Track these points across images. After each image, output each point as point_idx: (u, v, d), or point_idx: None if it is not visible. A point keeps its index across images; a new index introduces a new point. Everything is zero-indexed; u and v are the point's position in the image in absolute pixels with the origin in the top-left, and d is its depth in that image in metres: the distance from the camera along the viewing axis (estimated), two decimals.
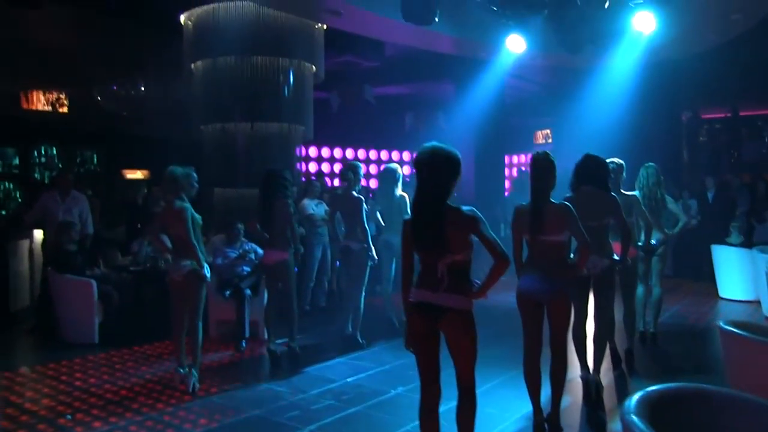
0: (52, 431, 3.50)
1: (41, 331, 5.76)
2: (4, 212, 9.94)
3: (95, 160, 11.67)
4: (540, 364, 3.34)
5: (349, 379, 4.37)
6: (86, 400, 3.96)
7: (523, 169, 12.58)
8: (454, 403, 2.70)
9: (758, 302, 6.68)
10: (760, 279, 6.44)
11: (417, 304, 2.63)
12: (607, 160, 4.12)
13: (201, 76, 7.09)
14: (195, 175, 4.19)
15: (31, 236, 6.62)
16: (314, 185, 7.08)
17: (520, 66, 8.87)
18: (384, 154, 12.52)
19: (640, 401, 1.95)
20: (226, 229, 5.73)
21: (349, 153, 12.10)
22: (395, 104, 12.57)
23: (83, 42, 8.77)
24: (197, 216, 4.11)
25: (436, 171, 2.56)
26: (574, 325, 3.82)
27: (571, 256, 3.49)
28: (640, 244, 4.78)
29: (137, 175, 10.91)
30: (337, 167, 11.73)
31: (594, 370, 4.07)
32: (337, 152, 12.04)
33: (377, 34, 8.05)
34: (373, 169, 11.95)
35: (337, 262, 6.88)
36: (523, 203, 3.38)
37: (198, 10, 6.93)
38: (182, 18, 7.16)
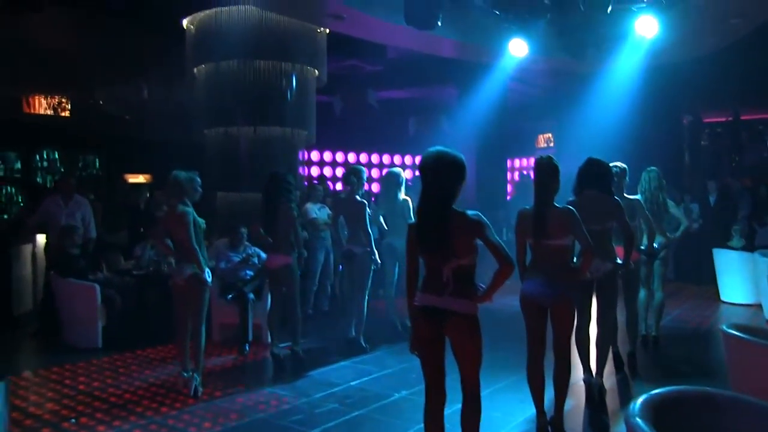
0: None
1: (44, 334, 5.77)
2: (6, 216, 9.94)
3: (97, 164, 11.67)
4: (543, 368, 3.35)
5: (352, 383, 4.38)
6: (90, 404, 3.97)
7: (525, 172, 12.60)
8: (458, 406, 2.71)
9: (759, 306, 6.69)
10: (762, 282, 6.45)
11: (422, 308, 2.64)
12: (611, 164, 4.14)
13: (204, 80, 7.11)
14: (198, 179, 4.21)
15: (33, 240, 6.63)
16: (317, 189, 7.10)
17: (522, 70, 8.89)
18: (386, 158, 12.53)
19: (644, 404, 1.96)
20: (230, 233, 5.74)
21: (352, 157, 12.10)
22: (398, 108, 12.60)
23: (85, 45, 8.80)
24: (200, 220, 4.12)
25: (441, 176, 2.57)
26: (577, 329, 3.83)
27: (574, 259, 3.50)
28: (642, 247, 4.80)
29: (139, 179, 10.92)
30: (339, 171, 11.73)
31: (597, 373, 4.08)
32: (340, 156, 12.04)
33: (380, 38, 8.07)
34: (375, 173, 11.96)
35: (340, 266, 6.89)
36: (527, 207, 3.40)
37: (200, 14, 6.95)
38: (185, 22, 7.18)
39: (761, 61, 9.10)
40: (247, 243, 5.71)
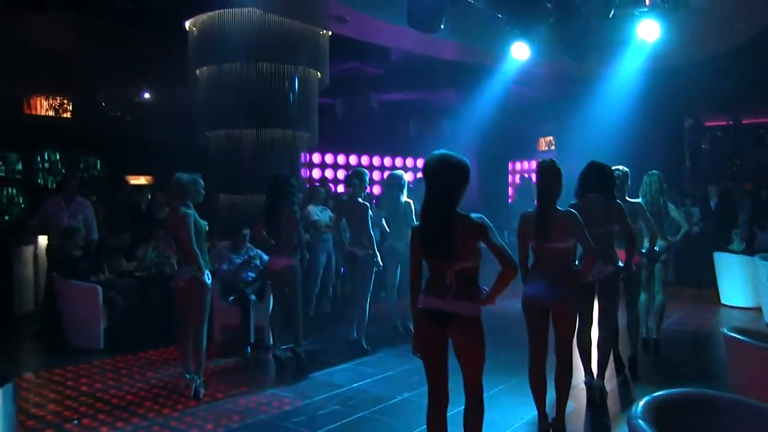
0: None
1: (45, 336, 5.77)
2: (7, 217, 9.96)
3: (98, 165, 11.69)
4: (545, 370, 3.36)
5: (354, 385, 4.38)
6: (92, 405, 3.98)
7: (526, 175, 12.63)
8: (461, 408, 2.72)
9: (759, 309, 6.69)
10: (762, 286, 6.46)
11: (425, 310, 2.65)
12: (613, 168, 4.16)
13: (206, 82, 7.13)
14: (202, 181, 4.22)
15: (35, 241, 6.65)
16: (319, 191, 7.12)
17: (523, 73, 8.91)
18: (388, 161, 12.56)
19: (647, 406, 1.97)
20: (232, 235, 5.75)
21: (353, 159, 12.12)
22: (400, 111, 12.62)
23: (87, 46, 8.82)
24: (202, 222, 4.13)
25: (444, 179, 2.58)
26: (578, 332, 3.84)
27: (576, 262, 3.52)
28: (643, 251, 4.81)
29: (141, 180, 10.94)
30: (341, 173, 11.75)
31: (598, 375, 4.10)
32: (341, 158, 12.06)
33: (383, 40, 8.09)
34: (376, 175, 11.98)
35: (342, 268, 6.90)
36: (529, 210, 3.41)
37: (203, 16, 6.97)
38: (187, 24, 7.20)
39: (762, 66, 9.13)
40: (249, 245, 5.72)
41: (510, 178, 13.03)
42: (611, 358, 4.33)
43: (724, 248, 7.56)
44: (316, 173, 11.68)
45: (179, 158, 6.10)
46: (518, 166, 13.59)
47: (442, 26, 5.62)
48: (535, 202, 3.40)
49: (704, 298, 7.68)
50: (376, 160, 12.46)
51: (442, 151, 2.64)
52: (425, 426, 2.76)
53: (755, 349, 3.00)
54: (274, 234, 4.80)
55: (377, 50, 8.96)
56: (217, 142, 7.09)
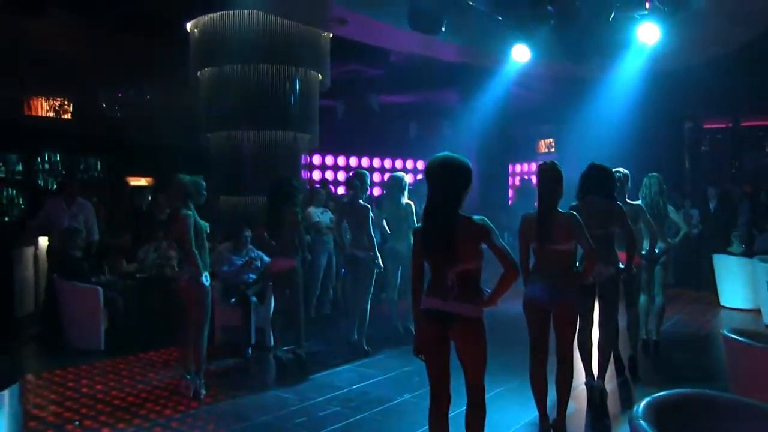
0: None
1: (46, 337, 5.77)
2: (7, 218, 9.96)
3: (99, 166, 11.70)
4: (546, 371, 3.38)
5: (355, 386, 4.39)
6: (93, 406, 3.98)
7: (526, 177, 12.65)
8: (462, 409, 2.73)
9: (758, 311, 6.71)
10: (761, 288, 6.47)
11: (427, 311, 2.66)
12: (613, 170, 4.17)
13: (207, 83, 7.14)
14: (203, 183, 4.23)
15: (35, 242, 6.64)
16: (319, 193, 7.13)
17: (524, 75, 8.94)
18: (388, 162, 12.58)
19: (648, 407, 1.99)
20: (233, 237, 5.76)
21: (353, 161, 12.14)
22: (400, 112, 12.65)
23: (88, 48, 8.83)
24: (203, 223, 4.14)
25: (447, 181, 2.59)
26: (579, 333, 3.85)
27: (577, 264, 3.53)
28: (643, 252, 4.83)
29: (141, 182, 10.94)
30: (341, 175, 11.77)
31: (599, 376, 4.11)
32: (341, 160, 12.08)
33: (384, 42, 8.11)
34: (377, 177, 11.99)
35: (342, 270, 6.91)
36: (530, 212, 3.43)
37: (204, 18, 6.98)
38: (188, 26, 7.21)
39: (761, 68, 9.17)
40: (250, 246, 5.73)
41: (510, 180, 13.06)
42: (611, 359, 4.34)
43: (724, 250, 7.58)
44: (316, 175, 11.69)
45: (180, 160, 6.11)
46: (518, 168, 13.61)
47: (443, 28, 5.64)
48: (536, 204, 3.42)
49: (703, 299, 7.70)
50: (376, 162, 12.48)
51: (445, 153, 2.65)
52: (427, 427, 2.77)
53: (755, 350, 3.02)
54: (276, 236, 4.81)
55: (378, 52, 8.98)
56: (218, 144, 7.11)
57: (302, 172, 8.30)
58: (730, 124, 12.47)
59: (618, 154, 6.58)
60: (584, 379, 4.15)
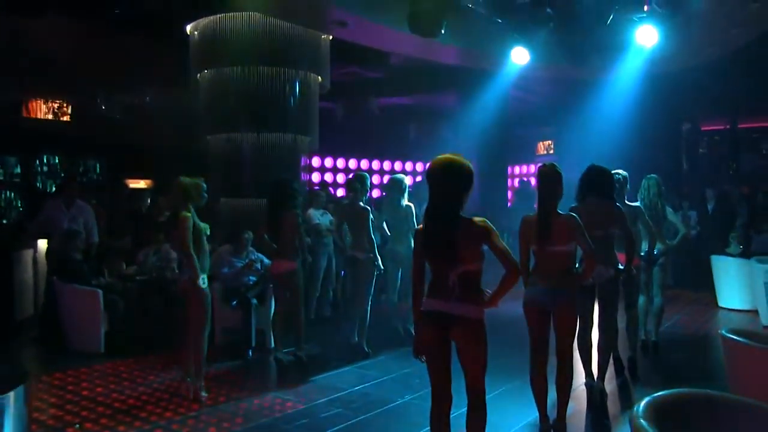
0: None
1: (46, 340, 5.77)
2: (5, 221, 9.95)
3: (98, 168, 11.69)
4: (546, 372, 3.39)
5: (356, 388, 4.40)
6: (94, 409, 3.97)
7: (525, 179, 12.69)
8: (464, 410, 2.74)
9: (756, 312, 6.74)
10: (758, 289, 6.50)
11: (429, 312, 2.67)
12: (612, 172, 4.20)
13: (207, 86, 7.15)
14: (204, 185, 4.24)
15: (34, 245, 6.63)
16: (319, 195, 7.14)
17: (523, 77, 8.97)
18: (387, 165, 12.60)
19: (648, 406, 2.00)
20: (233, 239, 5.77)
21: (353, 163, 12.16)
22: (399, 115, 12.67)
23: (87, 50, 8.82)
24: (202, 225, 4.14)
25: (449, 182, 2.61)
26: (579, 334, 3.87)
27: (577, 265, 3.55)
28: (642, 254, 4.85)
29: (140, 184, 10.94)
30: (340, 177, 11.78)
31: (598, 377, 4.13)
32: (341, 162, 12.10)
33: (383, 45, 8.12)
34: (376, 179, 12.01)
35: (342, 272, 6.92)
36: (531, 213, 3.45)
37: (204, 21, 6.98)
38: (188, 28, 7.22)
39: (759, 71, 9.21)
40: (250, 248, 5.74)
41: (509, 181, 13.10)
42: (611, 359, 4.36)
43: (721, 251, 7.61)
44: (315, 177, 11.71)
45: (179, 162, 6.10)
46: (517, 170, 13.66)
47: (442, 31, 5.66)
48: (536, 205, 3.44)
49: (702, 300, 7.72)
50: (375, 164, 12.50)
51: (447, 155, 2.66)
52: (428, 428, 2.78)
53: (754, 350, 3.04)
54: (276, 238, 4.82)
55: (377, 54, 8.99)
56: (218, 146, 7.11)
57: (302, 174, 8.30)
58: (728, 126, 12.54)
59: (617, 156, 6.60)
60: (584, 380, 4.17)
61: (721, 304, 7.45)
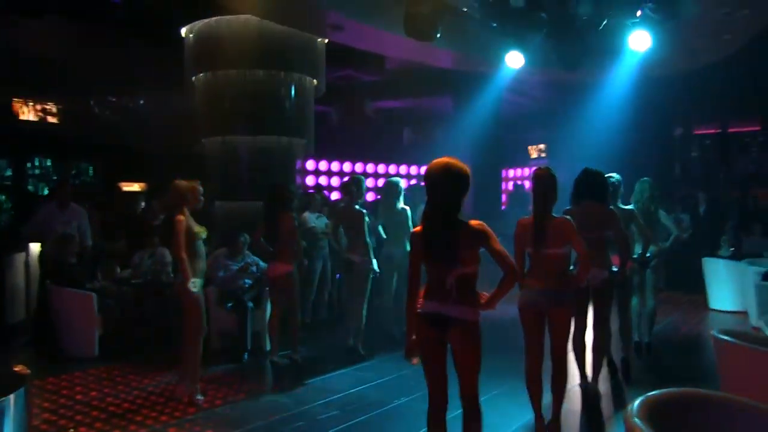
0: None
1: (38, 344, 5.72)
2: None
3: (91, 172, 11.63)
4: (541, 373, 3.42)
5: (352, 390, 4.41)
6: (88, 413, 3.95)
7: (519, 182, 12.75)
8: (460, 412, 2.76)
9: (746, 313, 6.82)
10: (748, 290, 6.58)
11: (425, 314, 2.68)
12: (606, 175, 4.24)
13: (202, 89, 7.14)
14: (201, 188, 4.24)
15: (26, 249, 6.58)
16: (315, 198, 7.15)
17: (517, 81, 9.03)
18: (382, 168, 12.62)
19: (642, 405, 2.02)
20: (229, 242, 5.76)
21: (347, 166, 12.17)
22: (394, 118, 12.71)
23: (80, 53, 8.80)
24: (199, 228, 4.14)
25: (447, 186, 2.62)
26: (573, 336, 3.90)
27: (572, 268, 3.58)
28: (635, 256, 4.90)
29: (134, 187, 10.89)
30: (335, 180, 11.78)
31: (592, 378, 4.16)
32: (335, 165, 12.10)
33: (379, 48, 8.16)
34: (370, 182, 12.03)
35: (338, 275, 6.93)
36: (525, 216, 3.48)
37: (199, 23, 6.98)
38: (183, 31, 7.22)
39: (749, 76, 9.33)
40: (246, 252, 5.73)
41: (503, 185, 13.15)
42: (605, 361, 4.39)
43: (713, 254, 7.68)
44: (310, 180, 11.71)
45: (173, 166, 6.10)
46: (511, 173, 13.72)
47: (437, 35, 5.69)
48: (530, 208, 3.47)
49: (694, 302, 7.79)
50: (370, 167, 12.51)
51: (444, 158, 2.68)
52: (424, 429, 2.79)
53: (744, 350, 3.08)
54: (273, 241, 4.82)
55: (372, 58, 9.03)
56: (213, 149, 7.10)
57: (296, 177, 8.30)
58: (719, 130, 12.66)
59: (610, 160, 6.66)
60: (578, 381, 4.19)
61: (711, 305, 7.52)
